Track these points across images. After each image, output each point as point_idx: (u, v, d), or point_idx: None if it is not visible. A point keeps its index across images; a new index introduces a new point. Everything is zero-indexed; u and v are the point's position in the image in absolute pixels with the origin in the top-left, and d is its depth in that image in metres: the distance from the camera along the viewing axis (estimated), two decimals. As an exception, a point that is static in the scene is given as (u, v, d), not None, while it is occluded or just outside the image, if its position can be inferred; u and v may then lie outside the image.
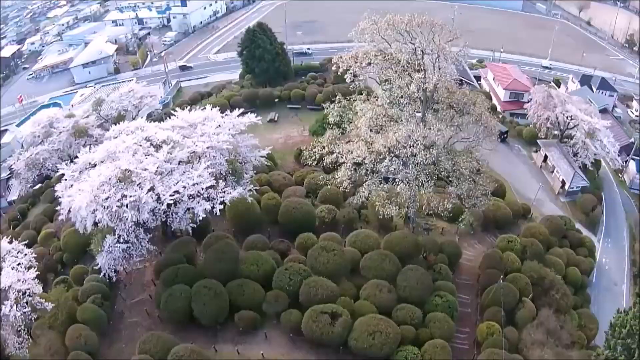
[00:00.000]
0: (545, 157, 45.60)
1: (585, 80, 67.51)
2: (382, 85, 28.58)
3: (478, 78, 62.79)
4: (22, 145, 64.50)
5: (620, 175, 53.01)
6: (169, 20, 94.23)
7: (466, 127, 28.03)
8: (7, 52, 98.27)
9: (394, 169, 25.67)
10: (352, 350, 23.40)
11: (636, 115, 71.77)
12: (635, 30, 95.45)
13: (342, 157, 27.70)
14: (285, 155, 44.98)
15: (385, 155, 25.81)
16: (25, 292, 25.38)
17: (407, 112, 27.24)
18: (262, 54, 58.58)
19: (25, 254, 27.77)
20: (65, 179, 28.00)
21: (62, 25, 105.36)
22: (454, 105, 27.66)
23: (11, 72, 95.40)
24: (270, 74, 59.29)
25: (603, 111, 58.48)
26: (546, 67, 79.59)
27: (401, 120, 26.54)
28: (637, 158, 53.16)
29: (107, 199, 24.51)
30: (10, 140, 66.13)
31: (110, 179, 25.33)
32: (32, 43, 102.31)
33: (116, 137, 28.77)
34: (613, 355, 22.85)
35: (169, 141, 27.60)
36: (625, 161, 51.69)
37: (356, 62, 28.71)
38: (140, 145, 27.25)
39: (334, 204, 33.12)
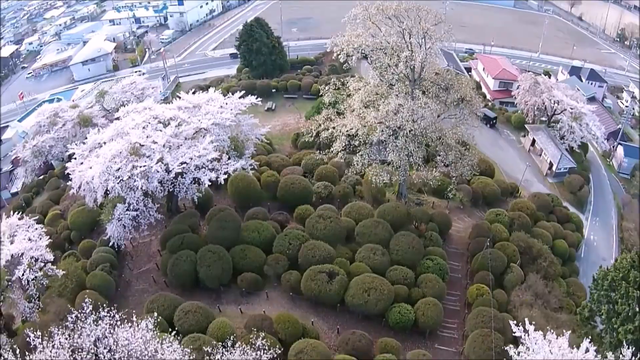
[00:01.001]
0: (534, 141, 48.08)
1: (575, 71, 70.45)
2: (373, 64, 30.91)
3: (469, 70, 65.55)
4: (24, 139, 66.64)
5: (609, 160, 55.53)
6: (165, 19, 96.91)
7: (452, 104, 30.39)
8: (5, 52, 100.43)
9: (385, 139, 27.93)
10: (349, 307, 25.47)
11: (626, 106, 74.65)
12: (626, 24, 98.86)
13: (336, 131, 29.97)
14: (282, 141, 47.42)
15: (376, 127, 28.07)
16: (38, 259, 27.31)
17: (396, 89, 29.59)
18: (259, 47, 61.19)
19: (36, 228, 29.77)
20: (75, 158, 30.16)
21: (60, 25, 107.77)
22: (440, 83, 30.03)
23: (10, 71, 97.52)
24: (267, 66, 61.94)
25: (591, 99, 61.34)
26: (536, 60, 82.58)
27: (391, 97, 28.83)
28: (625, 143, 55.82)
29: (118, 169, 26.68)
30: (11, 136, 68.22)
31: (121, 152, 27.52)
32: (30, 43, 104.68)
33: (125, 117, 30.95)
34: (597, 307, 24.60)
35: (176, 119, 29.85)
36: (613, 146, 54.23)
37: (349, 45, 31.16)
38: (149, 123, 29.46)
39: (329, 182, 35.37)
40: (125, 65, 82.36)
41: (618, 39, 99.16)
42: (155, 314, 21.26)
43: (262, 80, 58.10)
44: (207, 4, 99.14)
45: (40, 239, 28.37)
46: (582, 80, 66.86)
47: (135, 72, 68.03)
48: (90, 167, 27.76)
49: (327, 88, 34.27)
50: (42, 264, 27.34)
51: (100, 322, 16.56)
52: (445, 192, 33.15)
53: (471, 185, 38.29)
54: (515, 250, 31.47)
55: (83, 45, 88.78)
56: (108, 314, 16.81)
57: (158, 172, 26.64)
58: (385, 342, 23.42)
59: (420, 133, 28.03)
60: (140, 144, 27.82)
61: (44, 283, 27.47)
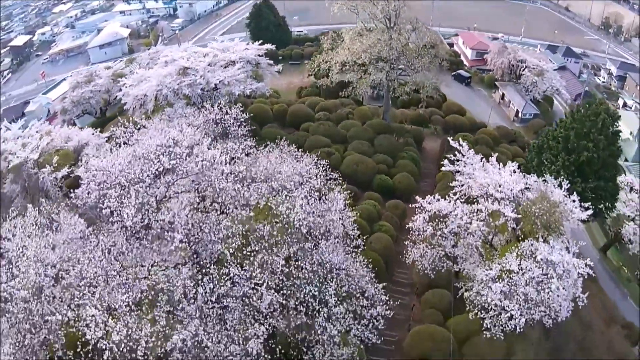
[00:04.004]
0: (503, 95, 61.54)
1: (552, 49, 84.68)
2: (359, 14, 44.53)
3: (451, 45, 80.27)
4: (48, 111, 79.69)
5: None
6: (175, 10, 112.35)
7: (421, 41, 43.85)
8: (19, 41, 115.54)
9: (367, 60, 41.32)
10: (343, 175, 37.68)
11: (603, 82, 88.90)
12: (610, 13, 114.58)
13: (332, 62, 43.45)
14: (288, 95, 60.89)
15: (361, 55, 41.51)
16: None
17: (377, 29, 43.21)
18: (267, 25, 75.73)
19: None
20: (126, 87, 43.31)
21: (71, 17, 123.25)
22: (410, 26, 43.58)
23: (24, 59, 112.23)
24: (274, 42, 76.04)
25: (562, 68, 75.13)
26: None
27: (372, 33, 42.45)
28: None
29: (169, 83, 39.80)
30: (34, 109, 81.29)
31: (170, 73, 40.72)
32: (43, 34, 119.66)
33: (171, 53, 44.44)
34: (531, 164, 35.72)
35: (211, 53, 43.33)
36: (575, 100, 67.67)
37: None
38: (191, 55, 42.86)
39: (327, 111, 48.53)
40: (139, 49, 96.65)
41: (602, 27, 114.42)
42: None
43: (270, 48, 72.46)
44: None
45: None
46: (554, 54, 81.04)
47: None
48: (146, 82, 40.93)
49: (325, 38, 47.93)
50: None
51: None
52: (418, 107, 46.54)
53: (445, 119, 51.47)
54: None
55: (97, 33, 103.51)
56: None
57: (201, 84, 39.78)
58: (370, 194, 35.78)
59: (395, 58, 41.44)
60: (186, 67, 41.10)
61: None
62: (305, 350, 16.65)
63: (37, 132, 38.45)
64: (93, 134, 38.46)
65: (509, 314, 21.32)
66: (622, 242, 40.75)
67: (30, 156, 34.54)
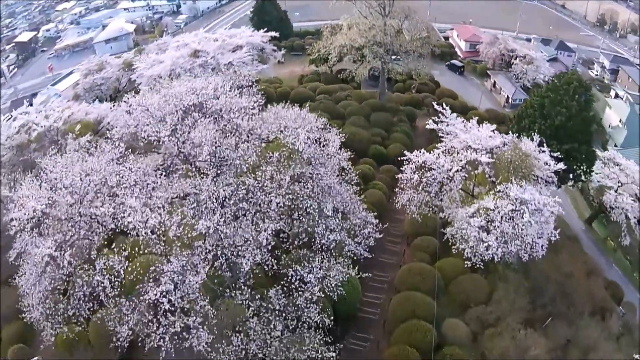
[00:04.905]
0: (494, 83, 65.79)
1: (545, 42, 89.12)
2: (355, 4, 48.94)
3: (447, 38, 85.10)
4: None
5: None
6: (178, 7, 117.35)
7: (413, 28, 48.19)
8: (24, 37, 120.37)
9: (364, 44, 45.59)
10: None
11: (596, 75, 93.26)
12: (605, 9, 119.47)
13: (331, 47, 47.75)
14: (290, 82, 65.11)
15: (358, 38, 45.79)
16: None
17: (373, 17, 47.55)
18: (269, 19, 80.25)
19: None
20: (140, 69, 47.60)
21: (75, 15, 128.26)
22: (405, 12, 47.97)
23: (30, 54, 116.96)
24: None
25: (554, 60, 79.50)
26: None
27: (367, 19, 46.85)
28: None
29: (182, 63, 44.06)
30: (43, 100, 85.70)
31: (183, 55, 45.05)
32: (47, 30, 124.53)
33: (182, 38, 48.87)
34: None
35: (220, 38, 47.74)
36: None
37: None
38: (202, 39, 47.27)
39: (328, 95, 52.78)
40: (145, 44, 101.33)
41: (598, 24, 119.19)
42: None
43: (272, 40, 77.18)
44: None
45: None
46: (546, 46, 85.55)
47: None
48: (160, 63, 45.25)
49: (325, 26, 52.35)
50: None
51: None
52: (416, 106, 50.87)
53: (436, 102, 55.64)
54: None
55: (102, 29, 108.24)
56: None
57: (211, 64, 44.00)
58: (365, 160, 39.88)
59: (388, 42, 45.71)
60: (198, 50, 45.42)
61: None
62: (306, 261, 20.43)
63: (58, 106, 42.58)
64: (111, 108, 42.56)
65: (486, 244, 25.08)
66: (606, 214, 44.40)
67: (54, 125, 38.56)
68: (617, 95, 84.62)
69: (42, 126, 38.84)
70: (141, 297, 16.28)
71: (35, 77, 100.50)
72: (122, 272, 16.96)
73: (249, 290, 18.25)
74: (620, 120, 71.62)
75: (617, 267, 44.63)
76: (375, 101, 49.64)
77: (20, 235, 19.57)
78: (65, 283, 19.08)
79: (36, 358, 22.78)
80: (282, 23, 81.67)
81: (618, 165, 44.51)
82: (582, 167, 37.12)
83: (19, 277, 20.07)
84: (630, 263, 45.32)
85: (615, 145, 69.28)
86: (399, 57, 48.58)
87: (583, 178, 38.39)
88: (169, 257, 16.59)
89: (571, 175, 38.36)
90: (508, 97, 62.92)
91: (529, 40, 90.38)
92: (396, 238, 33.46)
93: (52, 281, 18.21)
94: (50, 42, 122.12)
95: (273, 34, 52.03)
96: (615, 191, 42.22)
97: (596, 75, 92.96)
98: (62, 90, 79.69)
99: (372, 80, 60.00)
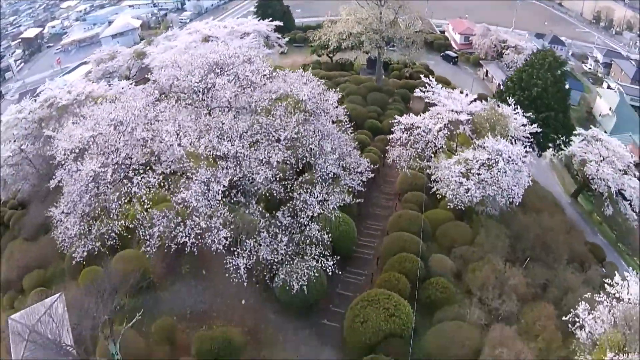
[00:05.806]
0: (487, 72, 70.76)
1: (539, 36, 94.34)
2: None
3: (442, 32, 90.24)
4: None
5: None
6: (182, 4, 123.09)
7: (408, 18, 53.24)
8: (30, 33, 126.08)
9: (360, 31, 50.61)
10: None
11: (590, 69, 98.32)
12: (601, 7, 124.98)
13: (330, 34, 52.85)
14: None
15: (355, 25, 50.84)
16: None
17: (369, 6, 52.67)
18: (272, 13, 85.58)
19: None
20: (152, 54, 52.68)
21: (80, 12, 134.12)
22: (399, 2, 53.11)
23: (36, 50, 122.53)
24: (280, 27, 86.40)
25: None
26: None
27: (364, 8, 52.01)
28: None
29: (194, 47, 49.02)
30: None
31: (194, 41, 50.07)
32: (53, 27, 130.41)
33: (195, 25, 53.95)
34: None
35: (229, 25, 52.87)
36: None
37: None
38: (212, 27, 52.38)
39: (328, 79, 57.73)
40: (150, 39, 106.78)
41: (594, 21, 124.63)
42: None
43: (277, 30, 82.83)
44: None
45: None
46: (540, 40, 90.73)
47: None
48: (172, 49, 50.28)
49: (327, 17, 57.49)
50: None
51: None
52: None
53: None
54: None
55: (108, 24, 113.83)
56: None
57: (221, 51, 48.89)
58: (361, 131, 44.67)
59: (383, 29, 50.73)
60: (209, 35, 50.45)
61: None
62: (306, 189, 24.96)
63: (79, 84, 47.44)
64: (129, 86, 47.44)
65: (466, 187, 29.58)
66: (590, 188, 48.68)
67: (78, 98, 43.33)
68: (609, 87, 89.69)
69: (66, 99, 43.62)
70: (174, 198, 20.78)
71: (42, 70, 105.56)
72: (157, 184, 21.38)
73: (260, 210, 22.82)
74: (610, 109, 76.57)
75: (602, 237, 48.72)
76: (373, 83, 54.63)
77: (63, 165, 23.25)
78: (99, 210, 23.09)
79: (58, 294, 24.62)
80: (285, 17, 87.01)
81: (600, 140, 49.16)
82: (561, 137, 41.71)
83: (56, 206, 23.82)
84: (616, 236, 49.50)
85: (605, 132, 74.16)
86: (394, 44, 53.62)
87: (563, 147, 42.97)
88: (198, 169, 21.16)
89: (551, 145, 42.99)
90: (499, 84, 67.68)
91: (523, 36, 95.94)
92: (389, 195, 38.14)
93: (93, 198, 22.09)
94: (56, 38, 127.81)
95: (278, 23, 57.29)
96: (597, 163, 46.78)
97: (590, 69, 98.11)
98: (73, 81, 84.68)
99: (369, 68, 65.06)
